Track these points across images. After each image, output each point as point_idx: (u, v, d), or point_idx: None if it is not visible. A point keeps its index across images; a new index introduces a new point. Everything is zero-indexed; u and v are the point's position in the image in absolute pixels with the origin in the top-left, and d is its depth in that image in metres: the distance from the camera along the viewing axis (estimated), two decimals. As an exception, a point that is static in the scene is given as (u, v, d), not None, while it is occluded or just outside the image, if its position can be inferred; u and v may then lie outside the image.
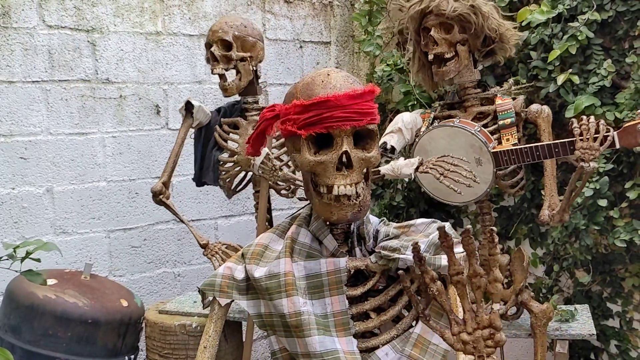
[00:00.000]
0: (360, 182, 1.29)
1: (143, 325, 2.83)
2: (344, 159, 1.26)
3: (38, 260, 1.94)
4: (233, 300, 1.44)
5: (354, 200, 1.28)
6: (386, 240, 1.38)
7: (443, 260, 1.31)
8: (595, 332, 2.42)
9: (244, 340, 2.84)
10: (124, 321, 2.64)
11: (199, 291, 1.46)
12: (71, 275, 2.71)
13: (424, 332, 1.34)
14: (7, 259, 1.91)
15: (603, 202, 2.58)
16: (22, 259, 1.91)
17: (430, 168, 2.17)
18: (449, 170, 2.14)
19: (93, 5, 3.13)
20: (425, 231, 1.39)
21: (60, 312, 2.47)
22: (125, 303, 2.69)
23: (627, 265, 2.76)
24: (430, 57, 2.36)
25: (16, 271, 1.94)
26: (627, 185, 2.58)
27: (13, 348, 2.42)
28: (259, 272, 1.38)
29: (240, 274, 1.42)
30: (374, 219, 1.45)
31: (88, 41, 3.14)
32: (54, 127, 3.08)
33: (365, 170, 1.31)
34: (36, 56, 3.00)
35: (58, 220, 3.10)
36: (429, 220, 1.42)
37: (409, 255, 1.32)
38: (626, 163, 2.62)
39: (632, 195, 2.55)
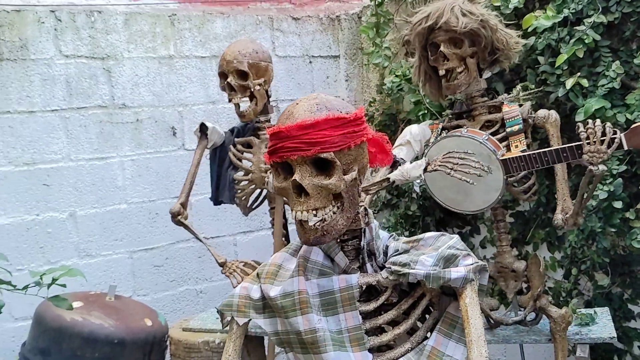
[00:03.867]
0: (324, 208, 1.31)
1: (167, 343, 2.88)
2: (297, 187, 1.31)
3: (64, 285, 2.02)
4: (250, 319, 1.48)
5: (315, 226, 1.32)
6: (396, 255, 1.41)
7: (453, 273, 1.34)
8: (615, 335, 2.41)
9: (266, 353, 2.88)
10: (149, 340, 2.70)
11: (217, 311, 1.51)
12: (96, 297, 2.78)
13: (438, 344, 1.37)
14: (35, 286, 1.99)
15: (618, 204, 2.57)
16: (49, 286, 1.98)
17: (439, 165, 2.18)
18: (457, 164, 2.15)
19: (107, 33, 3.22)
20: (434, 244, 1.42)
21: (87, 334, 2.54)
22: (149, 322, 2.75)
23: (646, 265, 2.75)
24: (442, 72, 2.38)
25: (43, 297, 2.01)
26: (642, 186, 2.58)
27: (43, 371, 2.49)
28: (274, 291, 1.42)
29: (256, 294, 1.46)
30: (383, 235, 1.48)
31: (103, 68, 3.23)
32: (74, 153, 3.17)
33: (332, 195, 1.33)
34: (54, 85, 3.10)
35: (82, 244, 3.18)
36: (438, 233, 1.44)
37: (419, 270, 1.36)
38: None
39: (646, 196, 2.55)
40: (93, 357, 2.54)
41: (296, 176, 1.30)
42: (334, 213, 1.33)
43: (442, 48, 2.35)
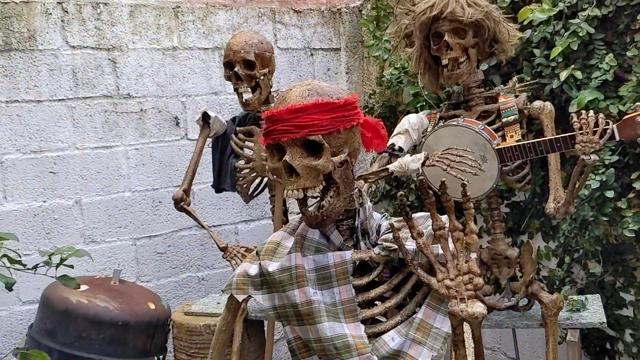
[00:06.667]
0: (313, 188, 1.39)
1: (170, 326, 2.96)
2: (288, 167, 1.39)
3: (71, 266, 2.09)
4: (249, 296, 1.55)
5: (315, 213, 1.41)
6: (387, 233, 1.49)
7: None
8: (605, 321, 2.48)
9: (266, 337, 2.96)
10: (152, 323, 2.78)
11: (223, 293, 1.60)
12: (101, 281, 2.86)
13: (426, 317, 1.45)
14: (44, 266, 2.07)
15: (610, 194, 2.63)
16: (57, 265, 2.06)
17: (437, 161, 2.24)
18: (454, 161, 2.21)
19: (112, 24, 3.29)
20: (424, 224, 1.49)
21: (92, 316, 2.62)
22: (152, 306, 2.83)
23: (638, 254, 2.81)
24: (445, 62, 2.42)
25: (52, 277, 2.09)
26: (634, 176, 2.63)
27: (50, 351, 2.57)
28: (272, 266, 1.50)
29: (254, 271, 1.54)
30: (376, 215, 1.56)
31: (109, 59, 3.30)
32: (80, 142, 3.24)
33: (323, 176, 1.39)
34: (61, 76, 3.17)
35: (87, 230, 3.26)
36: (427, 214, 1.51)
37: (409, 246, 1.43)
38: (632, 154, 2.67)
39: (638, 186, 2.60)
40: (98, 338, 2.62)
41: (287, 157, 1.38)
42: (331, 197, 1.41)
43: (446, 38, 2.38)
